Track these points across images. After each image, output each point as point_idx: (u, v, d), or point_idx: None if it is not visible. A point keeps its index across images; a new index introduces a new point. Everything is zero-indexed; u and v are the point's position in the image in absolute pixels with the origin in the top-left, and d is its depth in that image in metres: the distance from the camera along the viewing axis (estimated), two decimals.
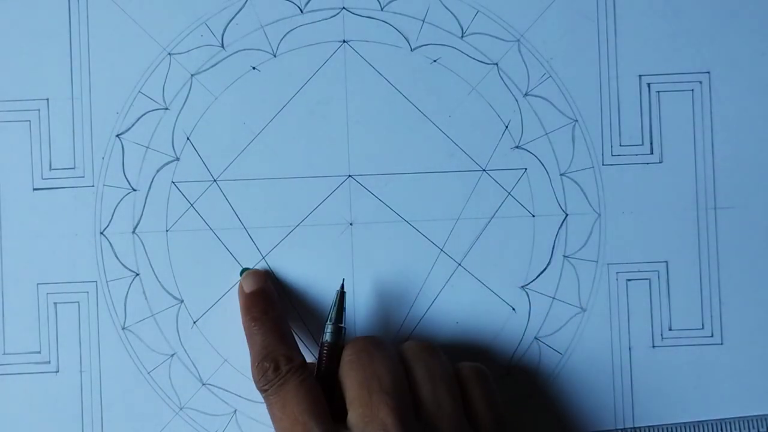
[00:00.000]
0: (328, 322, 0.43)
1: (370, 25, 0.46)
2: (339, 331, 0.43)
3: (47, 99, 0.46)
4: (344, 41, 0.46)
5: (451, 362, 0.43)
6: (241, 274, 0.46)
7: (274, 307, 0.44)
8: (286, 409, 0.40)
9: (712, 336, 0.46)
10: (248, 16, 0.46)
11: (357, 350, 0.41)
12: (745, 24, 0.47)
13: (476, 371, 0.42)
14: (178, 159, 0.46)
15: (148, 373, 0.46)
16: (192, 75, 0.46)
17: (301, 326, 0.46)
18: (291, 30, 0.46)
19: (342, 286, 0.44)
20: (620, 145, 0.46)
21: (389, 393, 0.40)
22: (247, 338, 0.44)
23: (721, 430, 0.46)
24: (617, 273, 0.46)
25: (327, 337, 0.42)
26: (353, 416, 0.40)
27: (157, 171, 0.46)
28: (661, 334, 0.46)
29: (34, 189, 0.46)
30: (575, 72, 0.47)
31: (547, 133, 0.46)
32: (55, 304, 0.46)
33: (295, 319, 0.46)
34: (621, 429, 0.46)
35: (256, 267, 0.46)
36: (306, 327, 0.46)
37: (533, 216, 0.46)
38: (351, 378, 0.41)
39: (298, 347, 0.43)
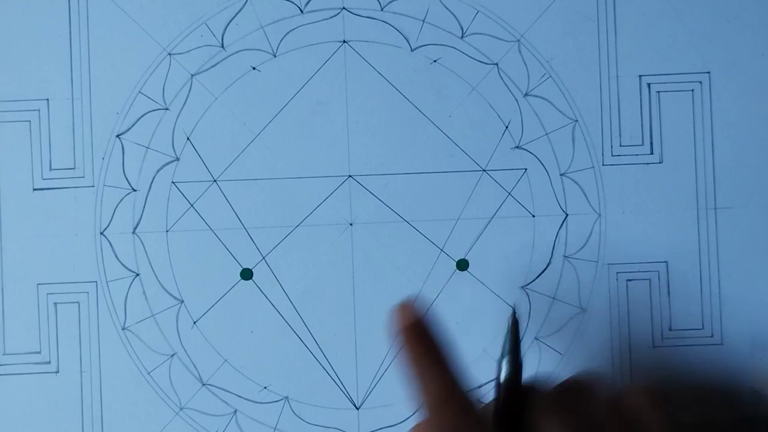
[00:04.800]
0: (504, 356, 0.36)
1: (370, 25, 0.46)
2: (518, 364, 0.36)
3: (47, 99, 0.46)
4: (344, 41, 0.46)
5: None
6: (242, 274, 0.46)
7: (438, 342, 0.37)
8: None
9: (712, 336, 0.46)
10: (248, 16, 0.46)
11: (563, 389, 0.35)
12: (745, 24, 0.47)
13: None
14: (178, 159, 0.46)
15: (148, 373, 0.46)
16: (192, 75, 0.46)
17: (305, 334, 0.46)
18: (291, 30, 0.46)
19: (514, 313, 0.38)
20: (620, 145, 0.46)
21: None
22: (412, 376, 0.37)
23: (721, 430, 0.46)
24: (617, 273, 0.46)
25: (504, 372, 0.36)
26: None
27: (157, 171, 0.46)
28: (661, 334, 0.46)
29: (34, 189, 0.46)
30: (575, 72, 0.47)
31: (547, 133, 0.46)
32: (55, 304, 0.46)
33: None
34: None
35: (256, 266, 0.46)
36: (311, 334, 0.46)
37: (533, 216, 0.46)
38: (555, 425, 0.34)
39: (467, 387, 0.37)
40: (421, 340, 0.37)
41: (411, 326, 0.37)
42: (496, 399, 0.36)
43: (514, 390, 0.36)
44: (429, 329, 0.37)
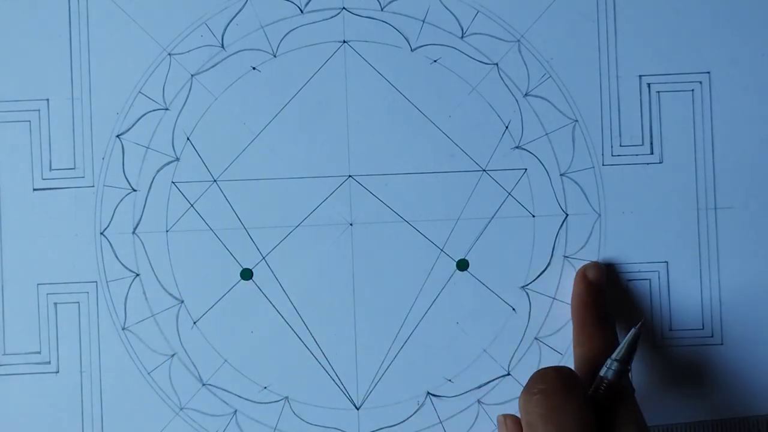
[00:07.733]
0: (617, 360, 0.40)
1: (370, 25, 0.46)
2: (625, 371, 0.40)
3: (47, 99, 0.46)
4: (344, 41, 0.46)
5: None
6: (242, 274, 0.46)
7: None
8: None
9: (712, 336, 0.46)
10: (248, 17, 0.46)
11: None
12: (745, 24, 0.47)
13: None
14: (178, 159, 0.46)
15: (148, 373, 0.46)
16: (192, 75, 0.46)
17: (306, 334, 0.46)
18: (291, 30, 0.46)
19: (641, 325, 0.40)
20: (620, 146, 0.46)
21: None
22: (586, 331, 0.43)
23: (721, 430, 0.46)
24: (617, 273, 0.46)
25: (612, 373, 0.40)
26: None
27: (157, 171, 0.46)
28: (661, 334, 0.46)
29: (34, 189, 0.46)
30: (575, 72, 0.46)
31: (547, 133, 0.46)
32: (55, 304, 0.46)
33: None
34: None
35: (256, 266, 0.46)
36: (310, 332, 0.46)
37: (533, 216, 0.46)
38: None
39: None
40: (601, 301, 0.44)
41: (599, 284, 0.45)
42: (594, 392, 0.40)
43: (613, 391, 0.39)
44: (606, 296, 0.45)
